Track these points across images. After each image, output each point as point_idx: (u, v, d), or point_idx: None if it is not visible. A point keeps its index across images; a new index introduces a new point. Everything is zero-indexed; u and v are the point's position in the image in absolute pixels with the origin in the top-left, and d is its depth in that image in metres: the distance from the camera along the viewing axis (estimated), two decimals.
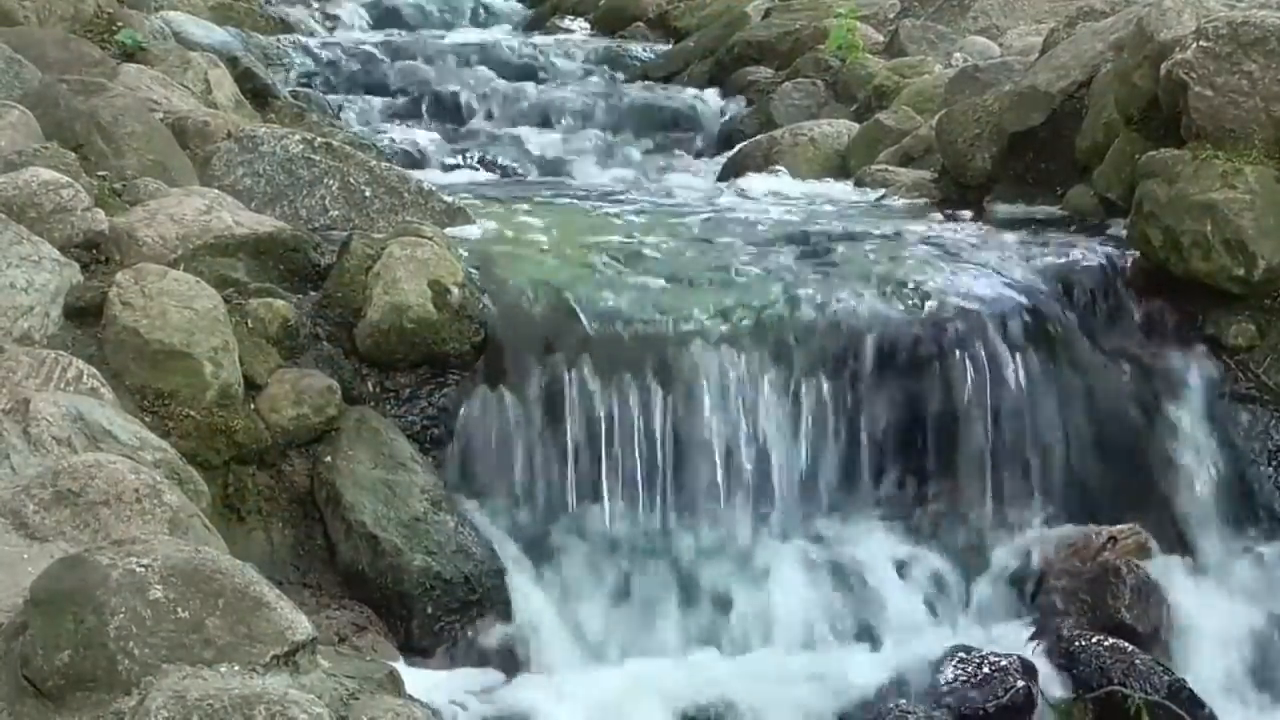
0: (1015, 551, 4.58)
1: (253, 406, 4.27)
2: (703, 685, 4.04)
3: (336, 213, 5.25)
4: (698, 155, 8.31)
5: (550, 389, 4.49)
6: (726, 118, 8.67)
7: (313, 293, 4.62)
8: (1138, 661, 4.12)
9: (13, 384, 3.75)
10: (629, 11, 10.99)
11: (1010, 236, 5.39)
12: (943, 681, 4.00)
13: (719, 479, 4.52)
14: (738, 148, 7.70)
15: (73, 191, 4.48)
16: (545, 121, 8.53)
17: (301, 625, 2.88)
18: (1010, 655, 4.09)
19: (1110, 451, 4.75)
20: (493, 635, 4.15)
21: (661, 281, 4.85)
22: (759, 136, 7.67)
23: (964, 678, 4.00)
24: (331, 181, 5.31)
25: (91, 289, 4.25)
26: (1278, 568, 4.63)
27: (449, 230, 5.07)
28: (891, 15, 9.49)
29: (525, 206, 5.91)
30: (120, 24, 6.97)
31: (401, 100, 8.68)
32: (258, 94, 7.36)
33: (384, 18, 11.07)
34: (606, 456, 4.47)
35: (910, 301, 4.81)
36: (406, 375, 4.50)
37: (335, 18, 10.85)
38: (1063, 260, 5.09)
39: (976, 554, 4.60)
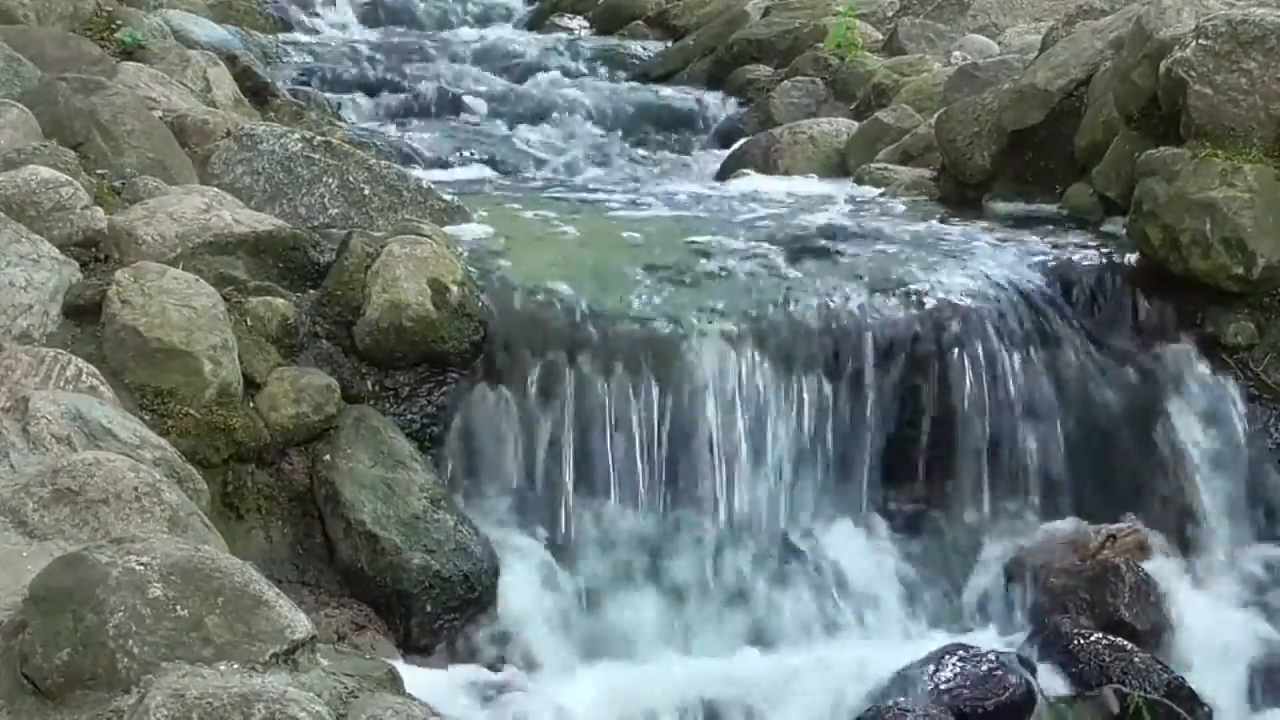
0: (1014, 549, 4.58)
1: (252, 405, 4.27)
2: (701, 683, 4.04)
3: (336, 211, 5.25)
4: (697, 153, 8.30)
5: (549, 387, 4.49)
6: (725, 116, 8.67)
7: (312, 291, 4.62)
8: (1137, 660, 4.12)
9: (12, 382, 3.75)
10: (628, 10, 10.98)
11: (1009, 235, 5.39)
12: (942, 679, 3.99)
13: (717, 477, 4.52)
14: (737, 146, 7.70)
15: (72, 190, 4.48)
16: (544, 119, 8.52)
17: (301, 623, 2.88)
18: (1009, 653, 4.10)
19: (1109, 450, 4.75)
20: (492, 633, 4.15)
21: (660, 280, 4.85)
22: (758, 135, 7.67)
23: (963, 676, 4.00)
24: (331, 179, 5.31)
25: (91, 287, 4.25)
26: (1277, 566, 4.63)
27: (448, 228, 5.07)
28: (890, 13, 9.48)
29: (524, 205, 5.91)
30: (120, 22, 6.97)
31: (401, 98, 8.67)
32: (257, 92, 7.36)
33: (383, 16, 11.06)
34: (605, 454, 4.47)
35: (909, 300, 4.81)
36: (405, 373, 4.50)
37: (334, 16, 10.84)
38: (1062, 259, 5.10)
39: (975, 552, 4.60)
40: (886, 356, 4.69)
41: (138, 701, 2.64)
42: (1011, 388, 4.72)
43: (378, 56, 9.26)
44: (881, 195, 6.28)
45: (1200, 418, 4.78)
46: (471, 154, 7.81)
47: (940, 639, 4.24)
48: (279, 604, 2.88)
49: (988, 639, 4.26)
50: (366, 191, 5.31)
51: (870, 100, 7.83)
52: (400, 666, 3.43)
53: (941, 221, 5.66)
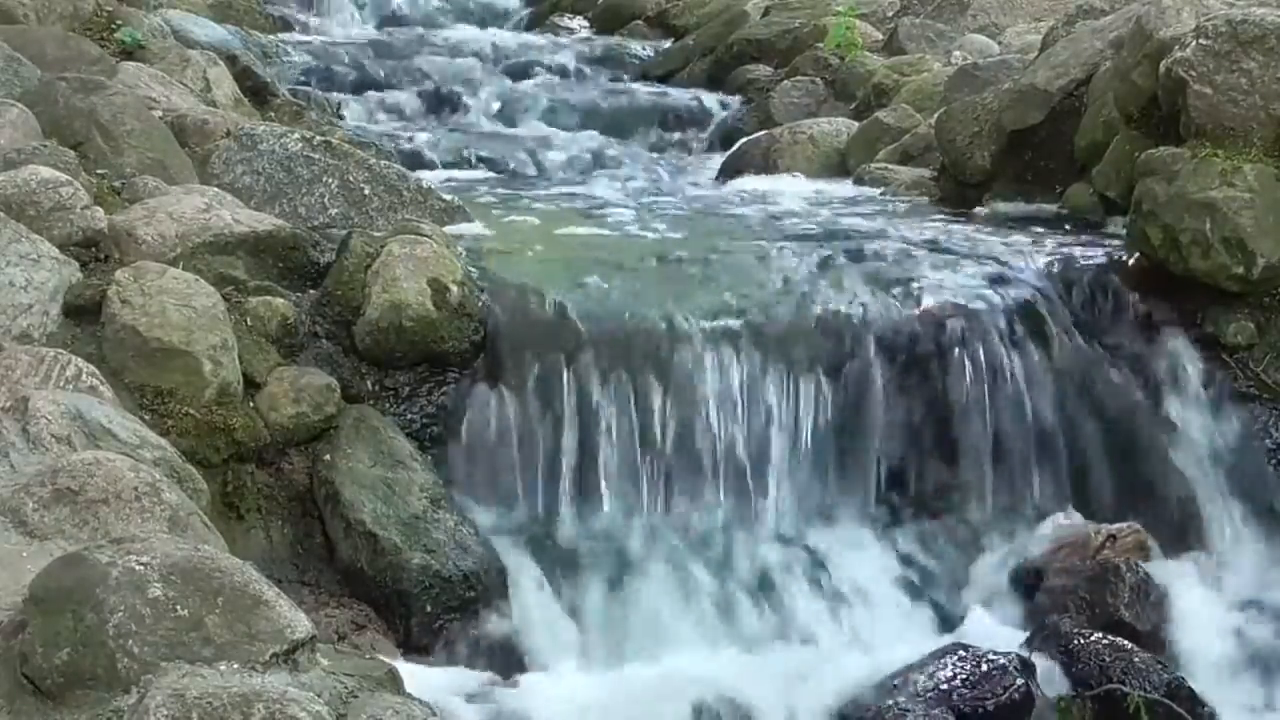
0: (1014, 549, 4.59)
1: (252, 405, 4.27)
2: (701, 683, 4.04)
3: (336, 211, 5.26)
4: (697, 153, 8.31)
5: (549, 387, 4.49)
6: (726, 116, 8.67)
7: (312, 291, 4.62)
8: (1137, 659, 4.12)
9: (12, 382, 3.75)
10: (628, 10, 10.99)
11: (1009, 234, 5.40)
12: (942, 679, 3.99)
13: (717, 477, 4.52)
14: (737, 146, 7.70)
15: (72, 189, 4.48)
16: (544, 119, 8.53)
17: (301, 623, 2.88)
18: (1009, 653, 4.09)
19: (1109, 450, 4.75)
20: (492, 633, 4.15)
21: (660, 280, 4.85)
22: (758, 135, 7.67)
23: (963, 676, 3.99)
24: (331, 179, 5.31)
25: (91, 287, 4.25)
26: (1277, 565, 4.63)
27: (448, 228, 5.07)
28: (890, 13, 9.49)
29: (524, 205, 5.92)
30: (120, 22, 6.97)
31: (401, 98, 8.67)
32: (257, 92, 7.35)
33: (383, 15, 11.07)
34: (605, 454, 4.47)
35: (909, 299, 4.81)
36: (405, 373, 4.51)
37: (335, 15, 10.84)
38: (1062, 258, 5.10)
39: (976, 552, 4.61)
40: (887, 356, 4.69)
41: (138, 701, 2.64)
42: (1012, 387, 4.72)
43: (378, 56, 9.26)
44: (881, 195, 6.28)
45: (1200, 418, 4.78)
46: (471, 154, 7.81)
47: (940, 639, 4.24)
48: (279, 604, 2.88)
49: (988, 639, 4.25)
50: (366, 191, 5.31)
51: (870, 100, 7.83)
52: (400, 666, 3.43)
53: (941, 221, 5.66)
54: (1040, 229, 5.45)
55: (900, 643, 4.27)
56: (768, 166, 7.13)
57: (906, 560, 4.55)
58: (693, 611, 4.33)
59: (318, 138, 5.53)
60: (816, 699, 4.03)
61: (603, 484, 4.47)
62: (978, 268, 5.01)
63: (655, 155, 8.23)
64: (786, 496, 4.58)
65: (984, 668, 4.01)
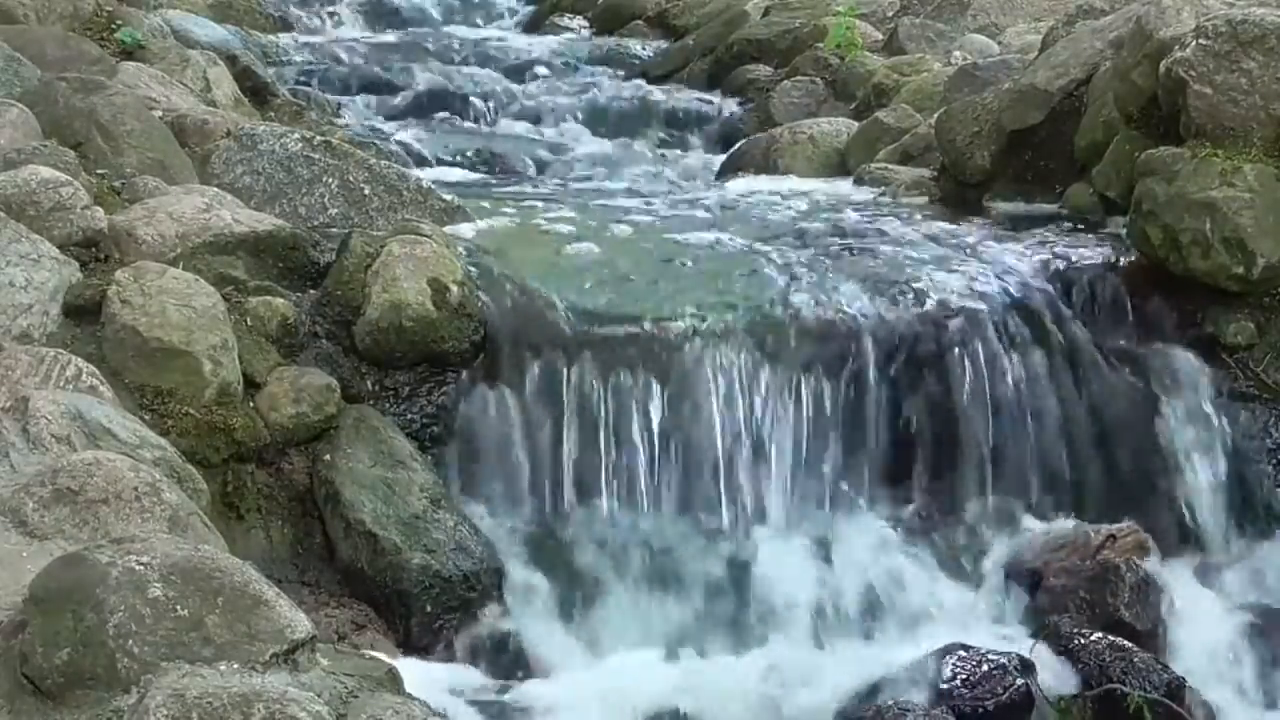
0: (1014, 549, 4.58)
1: (252, 405, 4.27)
2: (701, 682, 4.04)
3: (336, 211, 5.25)
4: (696, 153, 8.30)
5: (549, 387, 4.49)
6: (726, 116, 8.67)
7: (312, 291, 4.62)
8: (1137, 659, 4.12)
9: (12, 382, 3.75)
10: (628, 10, 10.99)
11: (1009, 235, 5.39)
12: (941, 679, 3.99)
13: (717, 476, 4.52)
14: (737, 146, 7.70)
15: (72, 189, 4.48)
16: (543, 120, 8.53)
17: (301, 623, 2.88)
18: (1009, 653, 4.09)
19: (1109, 450, 4.75)
20: (492, 633, 4.15)
21: (660, 279, 4.85)
22: (758, 135, 7.67)
23: (963, 675, 3.99)
24: (331, 179, 5.31)
25: (91, 287, 4.25)
26: (1276, 565, 4.63)
27: (448, 228, 5.07)
28: (890, 13, 9.49)
29: (523, 205, 5.91)
30: (119, 22, 6.97)
31: (400, 98, 8.68)
32: (257, 92, 7.36)
33: (383, 15, 11.06)
34: (605, 454, 4.47)
35: (909, 299, 4.81)
36: (406, 373, 4.51)
37: (334, 15, 10.84)
38: (1062, 258, 5.10)
39: (975, 551, 4.60)
40: (887, 356, 4.70)
41: (138, 701, 2.64)
42: (1011, 388, 4.72)
43: (378, 56, 9.26)
44: (881, 195, 6.27)
45: (1200, 417, 4.78)
46: (471, 154, 7.81)
47: (940, 638, 4.23)
48: (279, 604, 2.88)
49: (988, 639, 4.25)
50: (366, 191, 5.31)
51: (870, 100, 7.82)
52: (400, 666, 3.43)
53: (941, 221, 5.66)
54: (1040, 229, 5.44)
55: (900, 642, 4.28)
56: (768, 166, 7.13)
57: (906, 560, 4.54)
58: (692, 610, 4.33)
59: (318, 138, 5.52)
60: (816, 698, 4.03)
61: (603, 484, 4.47)
62: (977, 268, 5.01)
63: (655, 155, 8.23)
64: (785, 495, 4.58)
65: (984, 668, 4.02)
